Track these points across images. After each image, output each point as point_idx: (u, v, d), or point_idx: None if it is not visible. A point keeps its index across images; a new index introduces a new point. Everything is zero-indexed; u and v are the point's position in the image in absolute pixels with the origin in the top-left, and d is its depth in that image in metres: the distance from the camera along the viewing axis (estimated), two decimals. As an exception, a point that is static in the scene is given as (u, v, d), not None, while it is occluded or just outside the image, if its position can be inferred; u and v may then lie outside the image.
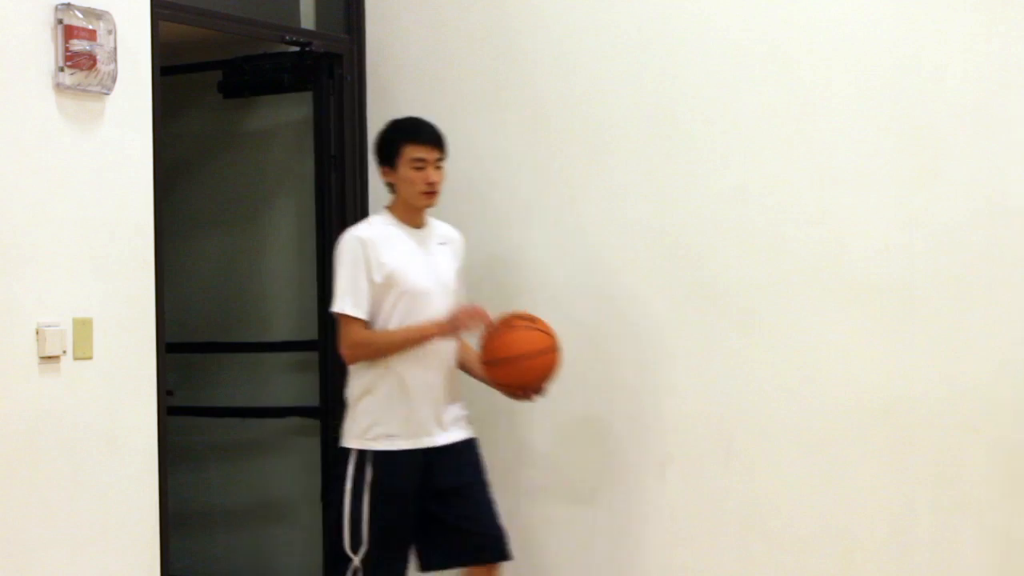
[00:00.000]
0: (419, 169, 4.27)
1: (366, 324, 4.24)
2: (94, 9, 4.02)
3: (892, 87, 4.35)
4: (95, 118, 4.08)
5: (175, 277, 4.82)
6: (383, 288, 4.22)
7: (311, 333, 5.28)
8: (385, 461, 4.20)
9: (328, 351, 5.20)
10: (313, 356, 5.27)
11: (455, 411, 4.36)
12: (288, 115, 5.46)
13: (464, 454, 4.36)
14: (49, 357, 3.91)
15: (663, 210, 4.69)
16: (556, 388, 4.88)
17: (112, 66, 4.07)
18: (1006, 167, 4.21)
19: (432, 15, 5.12)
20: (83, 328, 4.00)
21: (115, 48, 4.08)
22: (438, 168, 4.31)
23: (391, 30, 5.19)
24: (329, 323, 5.19)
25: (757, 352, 4.53)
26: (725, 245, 4.58)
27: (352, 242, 4.25)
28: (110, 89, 4.08)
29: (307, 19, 5.22)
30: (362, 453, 4.22)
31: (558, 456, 4.89)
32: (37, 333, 3.88)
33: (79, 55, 3.96)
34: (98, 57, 4.02)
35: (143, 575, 4.17)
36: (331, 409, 5.18)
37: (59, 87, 3.95)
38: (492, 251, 4.99)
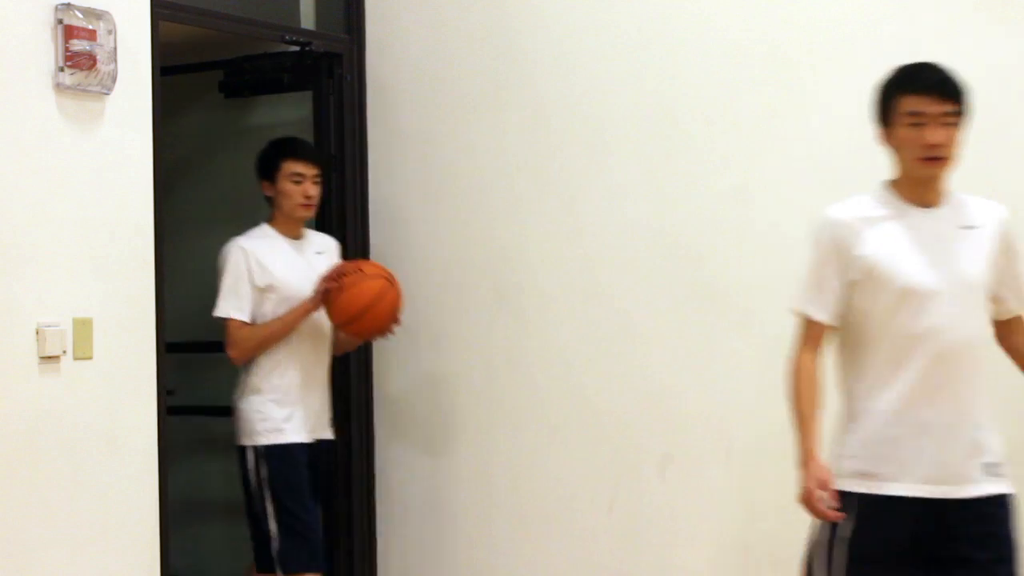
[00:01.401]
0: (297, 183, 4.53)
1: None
2: (94, 9, 4.02)
3: (892, 87, 4.34)
4: (95, 118, 4.08)
5: (175, 277, 4.82)
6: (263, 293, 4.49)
7: (311, 333, 5.27)
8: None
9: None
10: (313, 356, 5.26)
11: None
12: (288, 115, 5.46)
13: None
14: (49, 357, 3.91)
15: (663, 210, 4.69)
16: (555, 388, 4.89)
17: (112, 66, 4.07)
18: (1006, 167, 4.20)
19: (432, 15, 5.12)
20: (83, 328, 4.00)
21: (115, 48, 4.08)
22: (315, 183, 4.60)
23: (391, 30, 5.19)
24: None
25: (757, 352, 4.52)
26: (725, 245, 4.58)
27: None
28: (110, 89, 4.08)
29: (307, 19, 5.22)
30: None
31: (558, 457, 4.89)
32: (37, 333, 3.88)
33: (79, 55, 3.96)
34: (98, 57, 4.02)
35: (143, 575, 4.17)
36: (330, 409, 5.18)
37: (59, 87, 3.95)
38: (490, 251, 4.99)
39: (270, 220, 4.68)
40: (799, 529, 4.50)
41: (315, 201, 4.66)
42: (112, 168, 4.12)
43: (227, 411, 5.61)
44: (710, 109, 4.61)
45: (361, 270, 4.55)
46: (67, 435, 3.95)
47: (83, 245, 4.03)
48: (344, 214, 5.15)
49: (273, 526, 4.47)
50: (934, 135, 3.23)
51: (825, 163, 4.44)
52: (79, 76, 3.98)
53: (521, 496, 4.93)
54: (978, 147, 4.24)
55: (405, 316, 5.16)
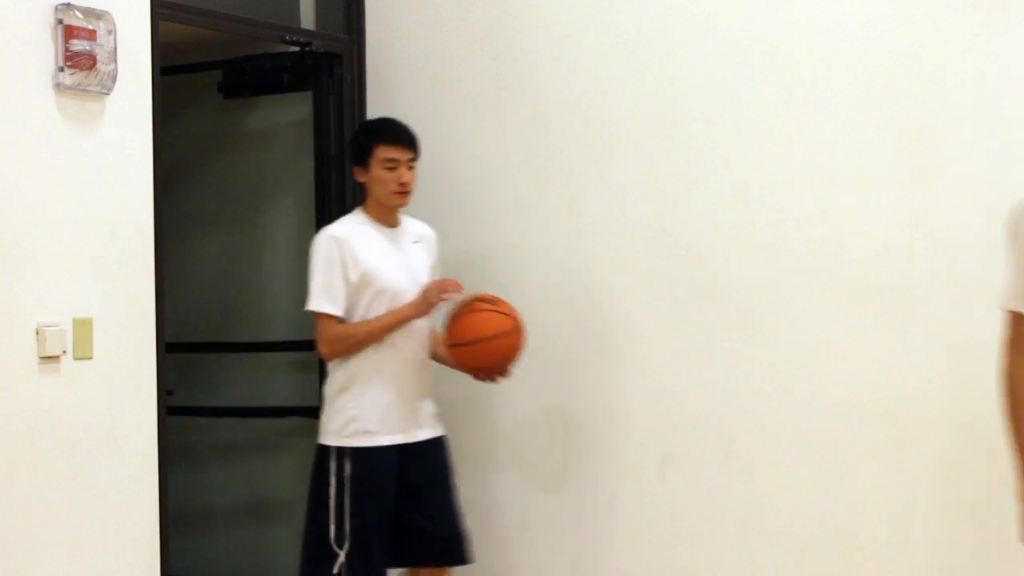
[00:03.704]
0: (391, 169, 4.37)
1: (341, 320, 4.33)
2: (94, 9, 4.02)
3: (892, 87, 4.35)
4: (95, 118, 4.08)
5: (175, 277, 4.82)
6: (358, 287, 4.30)
7: (311, 333, 5.25)
8: (363, 457, 4.27)
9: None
10: (313, 356, 5.25)
11: (429, 407, 4.45)
12: (288, 115, 5.46)
13: (434, 452, 4.45)
14: (49, 357, 3.91)
15: (663, 210, 4.69)
16: (555, 388, 4.88)
17: (112, 66, 4.07)
18: (1006, 167, 4.20)
19: (432, 15, 5.12)
20: (83, 328, 4.00)
21: (115, 48, 4.08)
22: (410, 168, 4.40)
23: (391, 30, 5.19)
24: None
25: (757, 352, 4.52)
26: (725, 245, 4.58)
27: (327, 241, 4.33)
28: (110, 89, 4.08)
29: (307, 19, 5.22)
30: (341, 450, 4.28)
31: (557, 457, 4.89)
32: (37, 333, 3.88)
33: (79, 55, 3.96)
34: (98, 57, 4.02)
35: (143, 575, 4.17)
36: (331, 409, 5.18)
37: (59, 87, 3.95)
38: (491, 251, 4.99)
39: (363, 207, 4.49)
40: (800, 529, 4.51)
41: (410, 188, 4.43)
42: (112, 168, 4.12)
43: (226, 412, 5.63)
44: (710, 109, 4.62)
45: (496, 302, 4.43)
46: (67, 435, 3.95)
47: (83, 245, 4.03)
48: (344, 214, 5.14)
49: (340, 527, 4.32)
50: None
51: (825, 163, 4.44)
52: (79, 76, 3.98)
53: (521, 496, 4.93)
54: (979, 147, 4.26)
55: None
